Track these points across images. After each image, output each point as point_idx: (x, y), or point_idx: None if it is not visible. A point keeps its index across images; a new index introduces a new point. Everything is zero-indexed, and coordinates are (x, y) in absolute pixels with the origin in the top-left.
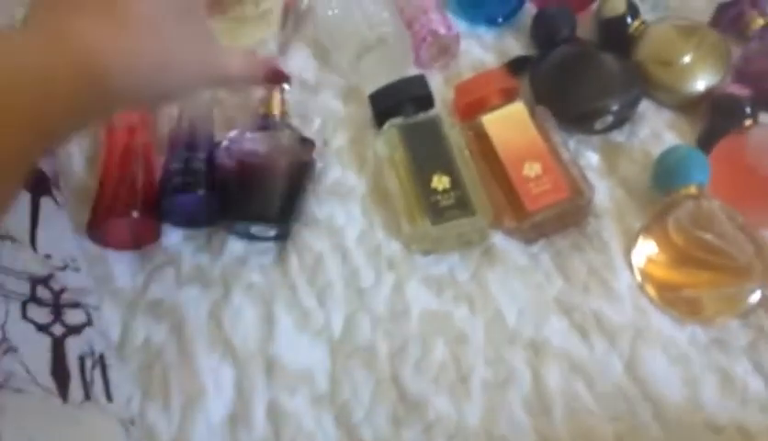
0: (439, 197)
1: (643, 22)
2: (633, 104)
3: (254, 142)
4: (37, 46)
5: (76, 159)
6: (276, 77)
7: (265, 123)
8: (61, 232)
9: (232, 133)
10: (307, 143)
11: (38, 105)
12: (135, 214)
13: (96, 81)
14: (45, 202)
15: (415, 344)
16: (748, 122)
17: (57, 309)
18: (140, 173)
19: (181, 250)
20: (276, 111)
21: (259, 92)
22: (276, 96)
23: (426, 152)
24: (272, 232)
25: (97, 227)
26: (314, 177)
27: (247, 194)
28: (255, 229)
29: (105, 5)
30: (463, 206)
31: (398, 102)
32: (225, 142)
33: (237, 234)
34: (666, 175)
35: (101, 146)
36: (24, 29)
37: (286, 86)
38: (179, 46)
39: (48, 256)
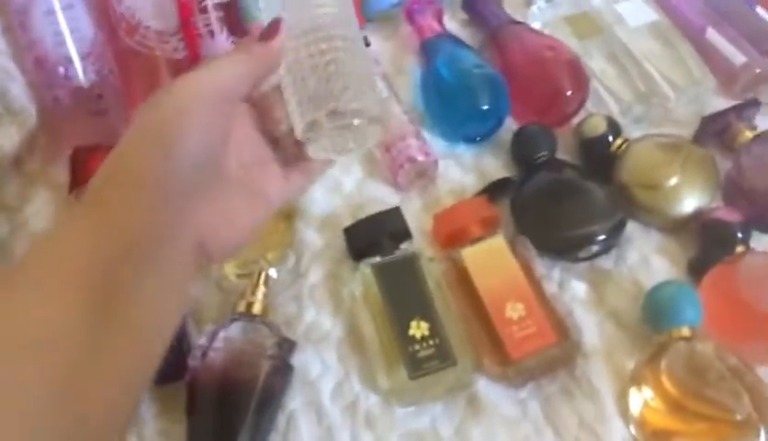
0: (417, 346)
1: (626, 140)
2: (618, 230)
3: (229, 342)
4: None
5: None
6: None
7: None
8: None
9: (202, 339)
10: (288, 345)
11: None
12: None
13: None
14: None
15: None
16: (740, 248)
17: None
18: None
19: None
20: (258, 309)
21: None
22: (260, 291)
23: (403, 294)
24: None
25: None
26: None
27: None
28: None
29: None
30: (444, 356)
31: (374, 238)
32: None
33: None
34: (657, 314)
35: None
36: None
37: (272, 274)
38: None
39: None
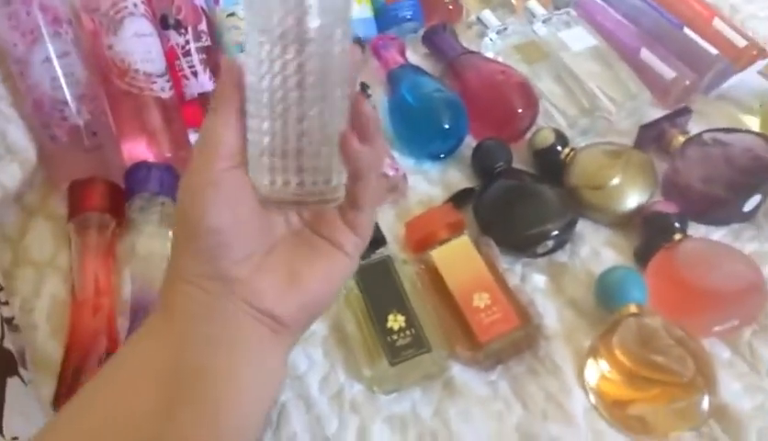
0: (395, 336)
1: (573, 149)
2: (570, 227)
3: None
4: None
5: (43, 331)
6: None
7: None
8: (27, 411)
9: None
10: None
11: None
12: None
13: None
14: (11, 383)
15: None
16: (677, 236)
17: None
18: (103, 342)
19: None
20: None
21: None
22: None
23: (381, 292)
24: None
25: (63, 402)
26: None
27: None
28: None
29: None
30: (419, 344)
31: None
32: None
33: None
34: (606, 296)
35: (67, 314)
36: None
37: None
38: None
39: (14, 439)
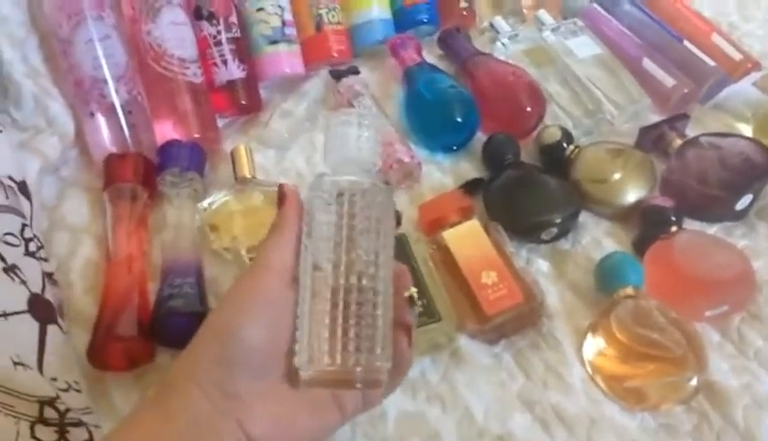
0: None
1: (577, 146)
2: (573, 217)
3: None
4: None
5: (78, 288)
6: None
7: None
8: (64, 357)
9: None
10: None
11: None
12: (131, 340)
13: None
14: (51, 329)
15: None
16: (674, 229)
17: (62, 428)
18: (135, 300)
19: None
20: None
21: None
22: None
23: None
24: None
25: (96, 353)
26: None
27: None
28: None
29: None
30: (430, 313)
31: None
32: None
33: None
34: (606, 279)
35: (101, 275)
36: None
37: None
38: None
39: (54, 380)
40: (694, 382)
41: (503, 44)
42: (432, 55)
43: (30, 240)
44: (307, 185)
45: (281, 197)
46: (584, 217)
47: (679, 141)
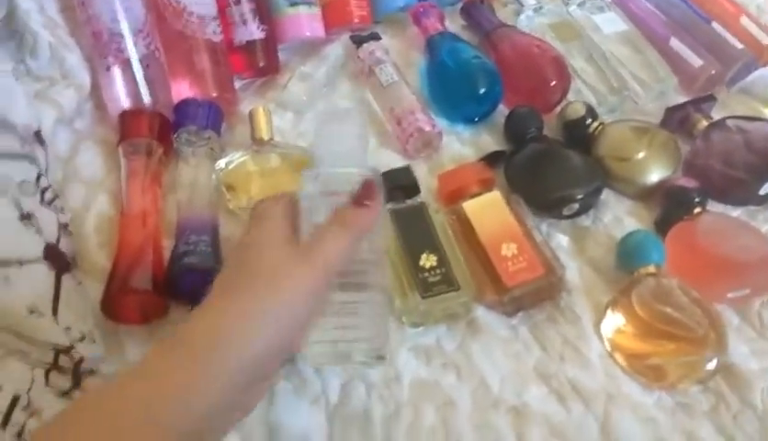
0: (427, 274)
1: (601, 123)
2: (595, 193)
3: None
4: None
5: (92, 241)
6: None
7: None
8: (79, 307)
9: None
10: None
11: None
12: (145, 293)
13: None
14: (66, 279)
15: (407, 409)
16: (697, 210)
17: (76, 376)
18: (149, 254)
19: None
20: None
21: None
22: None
23: (415, 234)
24: None
25: (110, 304)
26: None
27: None
28: None
29: None
30: (449, 282)
31: (387, 189)
32: None
33: None
34: (628, 256)
35: (115, 229)
36: None
37: None
38: None
39: (68, 328)
40: (713, 363)
41: (528, 17)
42: (454, 25)
43: (46, 189)
44: None
45: (361, 196)
46: (606, 195)
47: (705, 123)
